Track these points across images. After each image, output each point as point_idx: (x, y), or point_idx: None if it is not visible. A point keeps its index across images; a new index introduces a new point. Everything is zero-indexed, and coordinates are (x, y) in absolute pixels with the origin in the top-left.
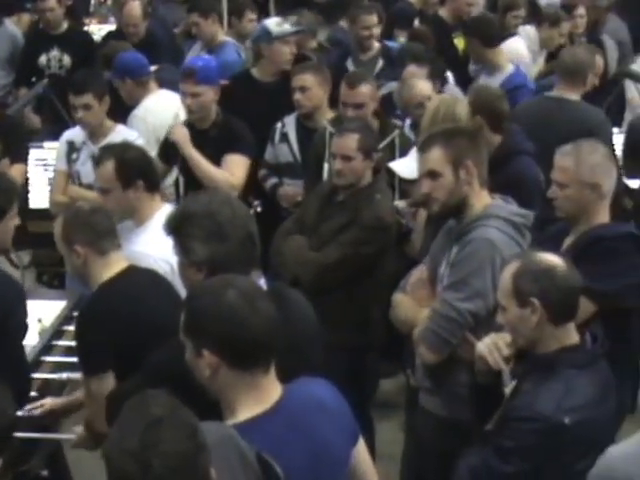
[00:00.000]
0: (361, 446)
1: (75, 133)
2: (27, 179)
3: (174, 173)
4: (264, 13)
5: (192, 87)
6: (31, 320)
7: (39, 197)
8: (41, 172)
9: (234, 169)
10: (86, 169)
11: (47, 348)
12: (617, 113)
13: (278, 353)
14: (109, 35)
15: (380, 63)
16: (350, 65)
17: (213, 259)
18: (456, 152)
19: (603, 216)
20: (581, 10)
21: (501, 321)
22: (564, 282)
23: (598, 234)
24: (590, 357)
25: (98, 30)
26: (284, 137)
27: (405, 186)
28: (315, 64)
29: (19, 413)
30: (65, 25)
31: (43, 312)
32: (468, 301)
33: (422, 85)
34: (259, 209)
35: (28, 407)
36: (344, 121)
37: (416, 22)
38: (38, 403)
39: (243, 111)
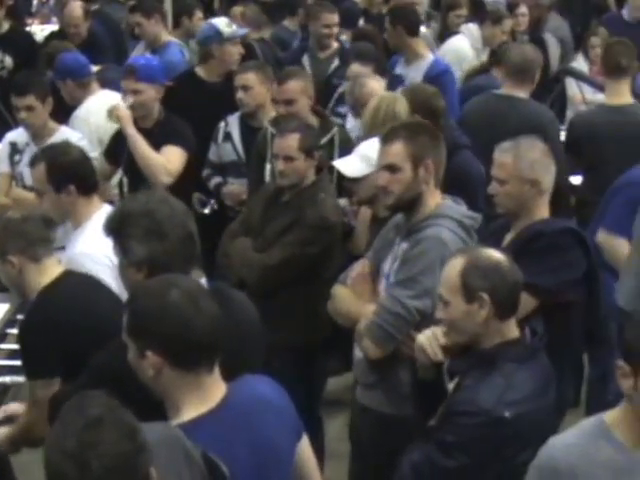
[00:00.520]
0: (305, 443)
1: (18, 134)
2: None
3: (119, 174)
4: (209, 12)
5: (133, 85)
6: None
7: None
8: None
9: (171, 158)
10: (29, 171)
11: None
12: (559, 110)
13: (222, 352)
14: (51, 35)
15: (336, 62)
16: (306, 62)
17: (152, 258)
18: (418, 149)
19: (543, 212)
20: (523, 8)
21: (441, 316)
22: (511, 277)
23: (538, 230)
24: (530, 351)
25: (40, 30)
26: (228, 136)
27: (347, 184)
28: (258, 63)
29: None
30: (6, 25)
31: None
32: (417, 299)
33: (373, 84)
34: (215, 207)
35: None
36: (281, 120)
37: (361, 21)
38: None
39: (188, 111)
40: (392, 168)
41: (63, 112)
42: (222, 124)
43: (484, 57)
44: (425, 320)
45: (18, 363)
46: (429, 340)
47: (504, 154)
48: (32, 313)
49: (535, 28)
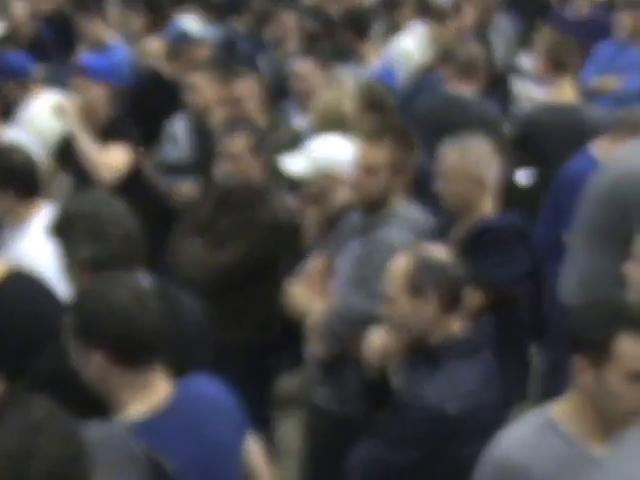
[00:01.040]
0: (252, 443)
1: None
2: None
3: (66, 175)
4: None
5: (81, 83)
6: None
7: None
8: None
9: (116, 156)
10: None
11: None
12: (504, 108)
13: (167, 352)
14: None
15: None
16: (260, 61)
17: (96, 258)
18: (400, 157)
19: (488, 208)
20: (469, 7)
21: (388, 315)
22: (454, 273)
23: (483, 226)
24: (475, 347)
25: None
26: (175, 136)
27: (294, 182)
28: (208, 63)
29: None
30: None
31: None
32: (366, 302)
33: (313, 78)
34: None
35: None
36: (230, 120)
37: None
38: None
39: (154, 109)
40: (371, 170)
41: (7, 113)
42: (170, 124)
43: (430, 56)
44: (374, 322)
45: None
46: (377, 340)
47: (449, 151)
48: None
49: (480, 27)
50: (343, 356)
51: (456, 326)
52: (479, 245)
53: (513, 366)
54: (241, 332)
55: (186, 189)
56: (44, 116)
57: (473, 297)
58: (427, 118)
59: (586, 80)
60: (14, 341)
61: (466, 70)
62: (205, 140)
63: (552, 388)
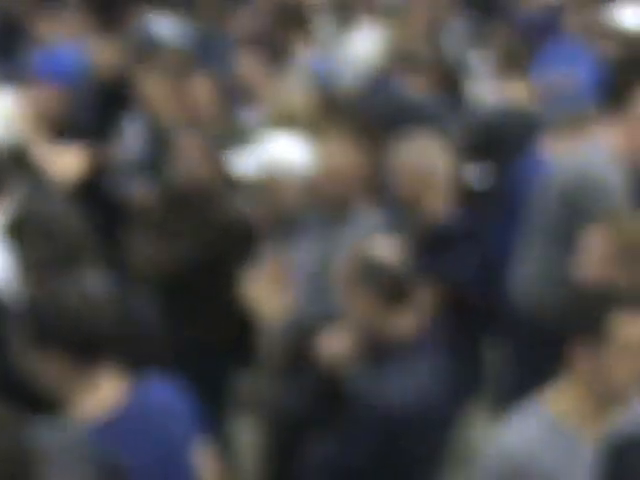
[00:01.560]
0: (202, 446)
1: None
2: None
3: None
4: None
5: (31, 86)
6: None
7: None
8: None
9: (72, 160)
10: None
11: None
12: (458, 106)
13: (120, 351)
14: None
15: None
16: (213, 61)
17: (46, 259)
18: (370, 159)
19: (439, 207)
20: (421, 7)
21: (341, 316)
22: (402, 269)
23: (435, 224)
24: (426, 343)
25: None
26: (130, 136)
27: (247, 183)
28: (163, 64)
29: None
30: None
31: None
32: (326, 310)
33: (256, 76)
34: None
35: None
36: (184, 120)
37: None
38: None
39: (119, 110)
40: (339, 173)
41: None
42: (124, 124)
43: (382, 56)
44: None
45: None
46: (332, 340)
47: (400, 150)
48: None
49: (433, 26)
50: (299, 356)
51: (407, 323)
52: (431, 243)
53: (466, 362)
54: (195, 332)
55: (140, 190)
56: None
57: (425, 295)
58: (378, 117)
59: (538, 78)
60: None
61: (416, 69)
62: (158, 139)
63: (507, 384)
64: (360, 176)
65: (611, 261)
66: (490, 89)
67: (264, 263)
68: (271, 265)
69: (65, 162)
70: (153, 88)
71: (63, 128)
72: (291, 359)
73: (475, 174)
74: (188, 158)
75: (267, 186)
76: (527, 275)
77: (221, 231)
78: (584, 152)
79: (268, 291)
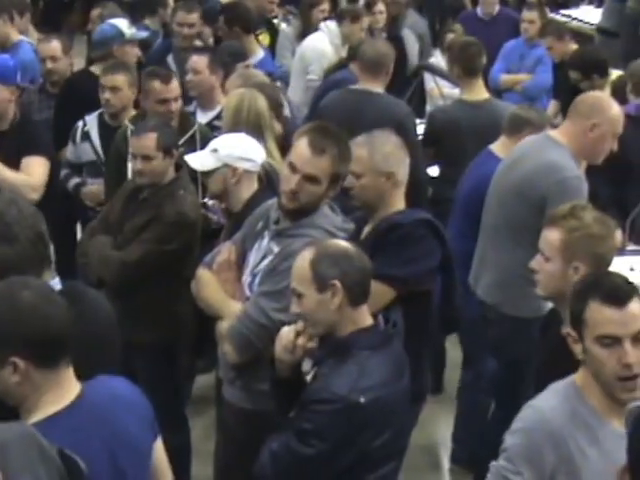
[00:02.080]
0: (159, 444)
1: None
2: None
3: None
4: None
5: None
6: None
7: None
8: None
9: (33, 170)
10: None
11: None
12: (418, 105)
13: (74, 352)
14: None
15: None
16: (171, 61)
17: (3, 261)
18: (342, 169)
19: (399, 204)
20: (381, 6)
21: (297, 310)
22: (359, 263)
23: (395, 221)
24: (383, 338)
25: None
26: (86, 136)
27: (204, 180)
28: (125, 64)
29: None
30: None
31: None
32: (282, 312)
33: (208, 77)
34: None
35: None
36: (139, 119)
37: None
38: None
39: (83, 108)
40: (310, 179)
41: None
42: (80, 124)
43: (343, 53)
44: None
45: None
46: (288, 336)
47: (359, 148)
48: None
49: (393, 25)
50: (256, 355)
51: (365, 318)
52: (390, 240)
53: (424, 359)
54: (149, 331)
55: (95, 190)
56: None
57: (384, 292)
58: (336, 115)
59: (495, 77)
60: None
61: (372, 67)
62: (114, 139)
63: (467, 378)
64: (337, 184)
65: (567, 255)
66: (450, 87)
67: (218, 254)
68: (224, 256)
69: (30, 177)
70: (120, 89)
71: (20, 129)
72: (248, 360)
73: (435, 172)
74: (145, 157)
75: (223, 180)
76: (487, 275)
77: (175, 229)
78: (541, 149)
79: (222, 280)
